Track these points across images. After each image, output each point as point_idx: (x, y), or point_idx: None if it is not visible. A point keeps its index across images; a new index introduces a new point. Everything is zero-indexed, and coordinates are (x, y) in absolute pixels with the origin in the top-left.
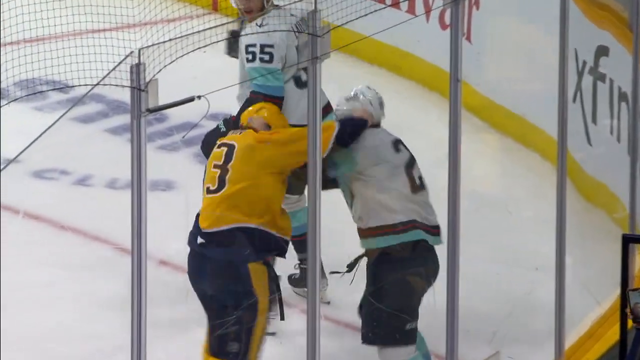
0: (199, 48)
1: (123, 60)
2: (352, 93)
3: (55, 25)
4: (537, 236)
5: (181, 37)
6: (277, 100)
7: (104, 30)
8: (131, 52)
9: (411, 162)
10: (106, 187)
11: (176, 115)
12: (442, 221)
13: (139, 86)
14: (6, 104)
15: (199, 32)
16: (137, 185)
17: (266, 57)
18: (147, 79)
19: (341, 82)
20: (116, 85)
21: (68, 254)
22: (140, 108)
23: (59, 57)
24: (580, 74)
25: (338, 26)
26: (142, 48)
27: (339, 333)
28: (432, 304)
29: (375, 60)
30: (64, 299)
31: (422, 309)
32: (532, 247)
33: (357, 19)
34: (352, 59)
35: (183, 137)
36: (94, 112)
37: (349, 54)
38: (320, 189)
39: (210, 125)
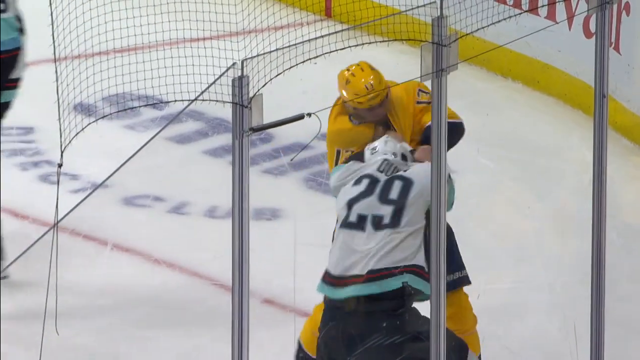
0: (310, 59)
1: (224, 72)
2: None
3: (148, 34)
4: None
5: (289, 46)
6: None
7: (204, 39)
8: (233, 64)
9: None
10: (205, 215)
11: (284, 135)
12: (586, 256)
13: (242, 102)
14: (94, 121)
15: (309, 40)
16: (239, 213)
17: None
18: (251, 94)
19: (470, 97)
20: (216, 101)
21: (163, 291)
22: (243, 126)
23: (152, 70)
24: None
25: (467, 34)
26: (246, 59)
27: None
28: None
29: (510, 73)
30: (161, 349)
31: None
32: None
33: (488, 26)
34: (483, 72)
35: (291, 160)
36: (192, 131)
37: (479, 65)
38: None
39: (322, 146)
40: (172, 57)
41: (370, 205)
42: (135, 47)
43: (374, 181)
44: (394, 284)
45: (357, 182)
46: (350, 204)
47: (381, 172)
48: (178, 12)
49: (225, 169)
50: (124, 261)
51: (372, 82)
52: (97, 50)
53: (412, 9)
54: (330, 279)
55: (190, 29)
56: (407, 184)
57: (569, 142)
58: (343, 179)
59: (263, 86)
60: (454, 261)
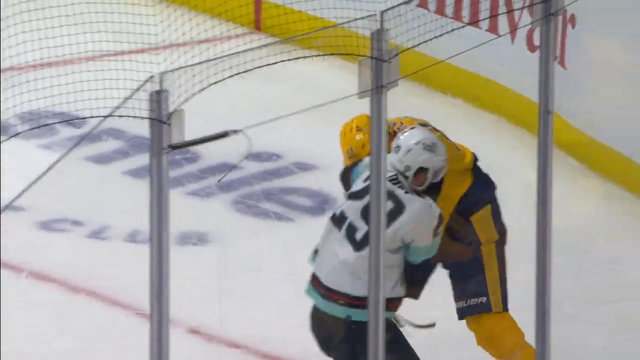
0: (237, 74)
1: (141, 86)
2: (429, 141)
3: (63, 46)
4: None
5: (214, 59)
6: None
7: (123, 53)
8: (151, 77)
9: None
10: (126, 240)
11: (211, 155)
12: (530, 281)
13: (160, 117)
14: (6, 139)
15: (237, 53)
16: (158, 238)
17: None
18: (171, 109)
19: (409, 115)
20: (133, 117)
21: (81, 321)
22: (162, 143)
23: (69, 84)
24: None
25: (408, 48)
26: (165, 72)
27: None
28: None
29: (450, 89)
30: None
31: None
32: None
33: (430, 40)
34: (422, 88)
35: (219, 181)
36: (112, 150)
37: (418, 82)
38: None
39: (252, 166)
40: (89, 71)
41: (354, 211)
42: (50, 61)
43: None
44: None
45: (366, 179)
46: (348, 195)
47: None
48: (94, 24)
49: (148, 190)
50: (40, 289)
51: (352, 147)
52: (9, 65)
53: (350, 21)
54: (321, 289)
55: (109, 41)
56: (397, 210)
57: (512, 162)
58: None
59: (184, 101)
60: (471, 286)
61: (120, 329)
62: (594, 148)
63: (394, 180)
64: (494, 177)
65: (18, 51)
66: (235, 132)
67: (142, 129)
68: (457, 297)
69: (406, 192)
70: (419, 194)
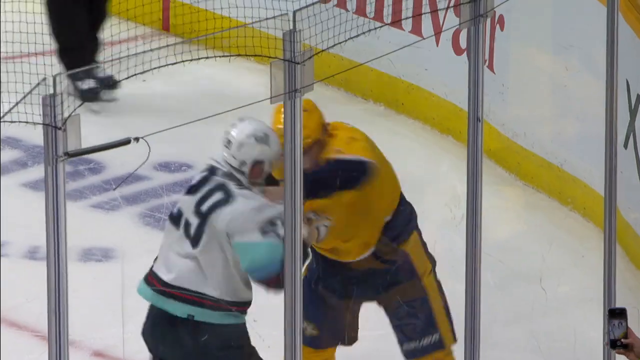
0: (135, 75)
1: (32, 89)
2: (261, 132)
3: None
4: (579, 318)
5: (111, 60)
6: None
7: (15, 56)
8: (44, 79)
9: None
10: (25, 257)
11: (116, 165)
12: (460, 298)
13: (54, 123)
14: None
15: (135, 54)
16: (55, 253)
17: None
18: (66, 114)
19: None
20: (25, 123)
21: None
22: (57, 151)
23: None
24: (633, 112)
25: (323, 50)
26: (59, 74)
27: None
28: None
29: (371, 94)
30: None
31: None
32: (574, 331)
33: (346, 41)
34: (341, 93)
35: (114, 189)
36: (9, 160)
37: (336, 86)
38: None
39: (160, 176)
40: None
41: (189, 207)
42: None
43: (205, 178)
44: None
45: (207, 168)
46: (186, 191)
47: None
48: None
49: None
50: None
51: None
52: None
53: (261, 20)
54: (160, 286)
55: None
56: (224, 200)
57: (438, 172)
58: None
59: (80, 105)
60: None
61: (18, 352)
62: (523, 157)
63: (229, 175)
64: (417, 188)
65: None
66: (136, 139)
67: (41, 138)
68: (406, 338)
69: (240, 186)
70: (257, 185)
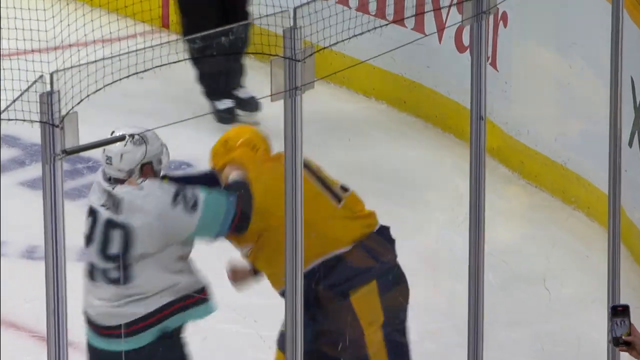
0: (135, 73)
1: (30, 87)
2: (136, 134)
3: None
4: (583, 319)
5: (111, 57)
6: None
7: (11, 53)
8: (41, 77)
9: None
10: (23, 257)
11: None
12: (461, 298)
13: (52, 120)
14: None
15: (135, 52)
16: (53, 253)
17: None
18: (64, 112)
19: (328, 120)
20: (22, 121)
21: None
22: (55, 149)
23: None
24: (638, 110)
25: (324, 48)
26: (57, 71)
27: None
28: None
29: (373, 92)
30: None
31: None
32: (578, 333)
33: (349, 39)
34: (343, 91)
35: (113, 188)
36: (6, 159)
37: (338, 84)
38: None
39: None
40: None
41: (95, 255)
42: None
43: (94, 222)
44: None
45: (88, 213)
46: (86, 241)
47: (103, 206)
48: None
49: None
50: None
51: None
52: None
53: (261, 17)
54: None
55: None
56: (127, 233)
57: (440, 171)
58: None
59: (78, 103)
60: None
61: (16, 353)
62: (526, 155)
63: (105, 202)
64: (419, 187)
65: None
66: (132, 136)
67: (39, 135)
68: None
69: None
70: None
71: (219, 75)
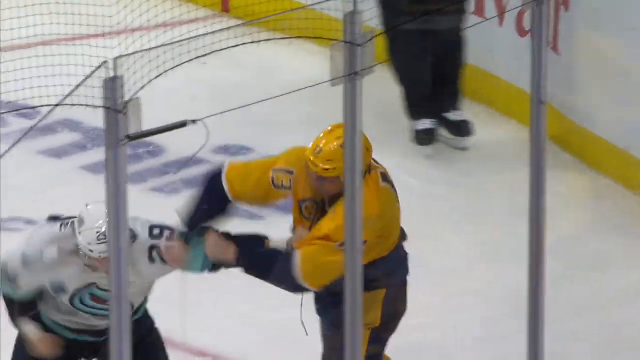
0: (197, 58)
1: (93, 72)
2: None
3: (12, 30)
4: None
5: (172, 43)
6: None
7: (77, 37)
8: (104, 62)
9: None
10: None
11: (175, 148)
12: (520, 287)
13: (115, 106)
14: None
15: (197, 37)
16: (116, 238)
17: None
18: (127, 97)
19: (387, 105)
20: (86, 106)
21: None
22: (118, 134)
23: (17, 71)
24: None
25: (384, 32)
26: (120, 57)
27: None
28: None
29: None
30: None
31: None
32: None
33: (407, 22)
34: None
35: (175, 173)
36: (68, 143)
37: None
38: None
39: (216, 159)
40: (39, 57)
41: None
42: None
43: None
44: None
45: None
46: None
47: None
48: (45, 6)
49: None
50: None
51: (333, 147)
52: None
53: (321, 2)
54: None
55: (60, 24)
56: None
57: (501, 157)
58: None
59: (141, 88)
60: None
61: None
62: (588, 141)
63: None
64: (480, 174)
65: None
66: (194, 122)
67: (101, 120)
68: None
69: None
70: None
71: (427, 96)
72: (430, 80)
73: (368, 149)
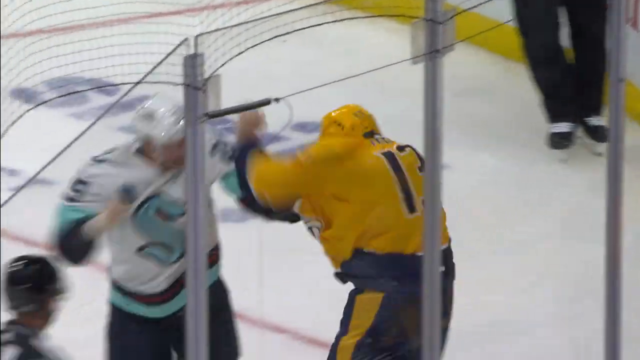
0: (278, 36)
1: (174, 50)
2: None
3: (95, 7)
4: None
5: (254, 20)
6: None
7: (158, 15)
8: (185, 40)
9: None
10: None
11: None
12: (597, 264)
13: (195, 83)
14: (32, 108)
15: (278, 14)
16: (194, 214)
17: None
18: (207, 75)
19: (467, 82)
20: (166, 83)
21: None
22: (197, 112)
23: (99, 49)
24: None
25: (465, 10)
26: (201, 35)
27: None
28: None
29: (512, 54)
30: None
31: None
32: None
33: (489, 0)
34: (482, 52)
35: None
36: None
37: (477, 45)
38: None
39: (298, 137)
40: (122, 35)
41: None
42: (80, 24)
43: None
44: None
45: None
46: None
47: None
48: None
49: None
50: (74, 270)
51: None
52: (37, 27)
53: None
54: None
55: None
56: None
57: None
58: None
59: (221, 66)
60: None
61: None
62: None
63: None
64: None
65: (47, 12)
66: (276, 100)
67: (181, 97)
68: None
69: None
70: None
71: (568, 99)
72: (567, 81)
73: (362, 112)
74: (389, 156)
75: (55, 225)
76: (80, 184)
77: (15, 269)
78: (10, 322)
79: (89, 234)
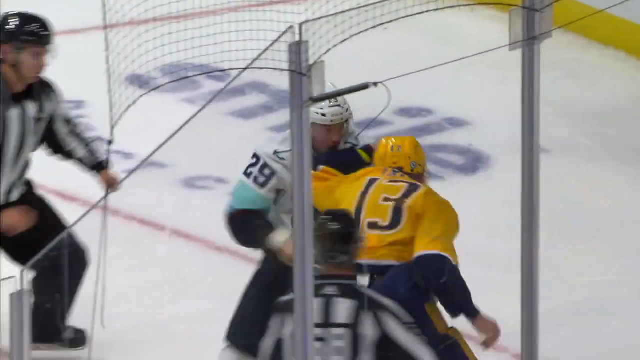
0: (381, 24)
1: (279, 37)
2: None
3: None
4: None
5: (358, 8)
6: None
7: (266, 3)
8: (290, 27)
9: None
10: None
11: (355, 110)
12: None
13: (300, 69)
14: (146, 93)
15: (381, 2)
16: (300, 197)
17: None
18: (311, 61)
19: (565, 68)
20: (272, 69)
21: (224, 281)
22: (302, 96)
23: (209, 36)
24: None
25: None
26: (306, 22)
27: None
28: None
29: (611, 41)
30: (217, 338)
31: None
32: None
33: None
34: (580, 39)
35: (357, 136)
36: (256, 105)
37: (575, 32)
38: None
39: (398, 121)
40: (231, 22)
41: None
42: (191, 12)
43: None
44: None
45: None
46: None
47: None
48: None
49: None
50: (183, 248)
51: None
52: (150, 16)
53: None
54: None
55: None
56: None
57: None
58: None
59: (325, 53)
60: None
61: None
62: None
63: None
64: None
65: (161, 2)
66: (375, 84)
67: (286, 82)
68: None
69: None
70: None
71: None
72: None
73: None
74: (370, 181)
75: (233, 198)
76: (267, 169)
77: (331, 225)
78: (326, 276)
79: (265, 241)
